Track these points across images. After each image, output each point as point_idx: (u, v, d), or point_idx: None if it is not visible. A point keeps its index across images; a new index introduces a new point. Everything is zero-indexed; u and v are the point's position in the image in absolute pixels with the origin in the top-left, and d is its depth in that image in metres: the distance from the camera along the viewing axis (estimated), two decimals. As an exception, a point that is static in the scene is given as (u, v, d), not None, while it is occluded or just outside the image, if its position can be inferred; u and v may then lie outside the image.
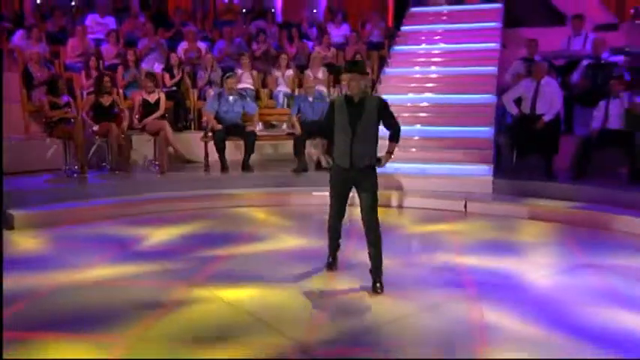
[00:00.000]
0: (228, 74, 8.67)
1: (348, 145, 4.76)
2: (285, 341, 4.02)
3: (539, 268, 5.38)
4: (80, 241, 6.42)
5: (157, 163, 8.73)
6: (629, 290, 4.82)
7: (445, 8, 12.62)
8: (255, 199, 7.97)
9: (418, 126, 9.18)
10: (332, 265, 5.31)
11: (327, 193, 8.02)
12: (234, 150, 9.06)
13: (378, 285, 4.72)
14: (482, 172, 8.07)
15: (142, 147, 9.05)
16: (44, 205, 7.20)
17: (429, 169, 8.28)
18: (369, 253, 4.85)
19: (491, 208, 7.47)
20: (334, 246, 5.30)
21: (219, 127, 8.39)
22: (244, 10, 12.55)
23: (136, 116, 8.77)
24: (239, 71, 9.52)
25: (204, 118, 9.01)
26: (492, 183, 7.84)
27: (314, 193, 8.10)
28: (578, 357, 3.62)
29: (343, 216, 5.12)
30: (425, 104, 9.77)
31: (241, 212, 7.60)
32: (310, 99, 8.60)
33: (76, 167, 8.26)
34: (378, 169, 8.50)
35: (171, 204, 7.73)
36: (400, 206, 7.75)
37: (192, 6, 11.99)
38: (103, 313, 4.42)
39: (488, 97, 9.51)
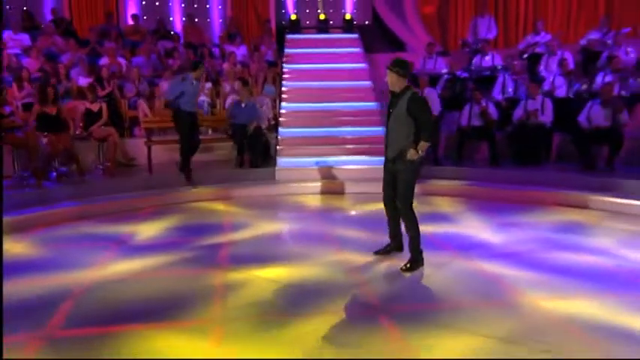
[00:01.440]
0: (199, 64, 7.49)
1: (386, 136, 4.40)
2: (360, 302, 3.76)
3: (480, 229, 5.56)
4: (71, 241, 5.37)
5: (102, 167, 7.65)
6: (556, 238, 5.20)
7: (315, 36, 12.71)
8: (207, 194, 7.28)
9: (325, 128, 9.08)
10: (380, 250, 4.66)
11: (268, 187, 7.87)
12: (162, 152, 8.25)
13: (407, 265, 4.29)
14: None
15: (82, 153, 7.80)
16: (11, 211, 5.86)
17: (347, 161, 8.29)
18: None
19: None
20: (390, 233, 4.65)
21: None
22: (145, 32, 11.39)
23: (80, 125, 7.57)
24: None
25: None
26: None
27: (256, 187, 7.73)
28: (580, 289, 3.88)
29: (389, 204, 4.51)
30: (323, 111, 9.64)
31: (203, 206, 6.90)
32: (243, 105, 8.13)
33: (26, 174, 6.90)
34: (316, 164, 8.33)
35: (134, 203, 6.79)
36: (341, 192, 7.64)
37: (102, 26, 10.61)
38: (164, 302, 3.76)
39: (372, 105, 9.79)
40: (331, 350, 3.01)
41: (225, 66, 10.08)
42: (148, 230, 5.74)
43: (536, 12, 11.47)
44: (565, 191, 6.82)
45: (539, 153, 8.00)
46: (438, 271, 4.30)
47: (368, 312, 3.56)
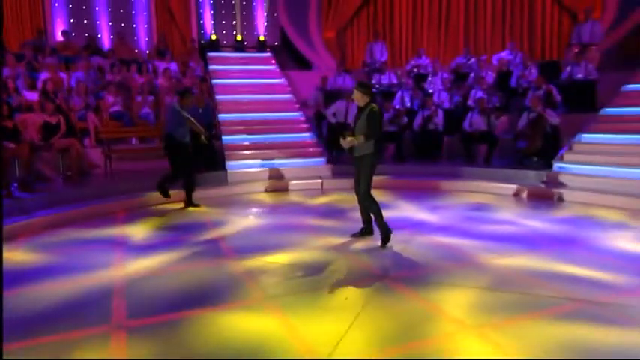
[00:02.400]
0: (187, 92, 6.60)
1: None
2: (363, 272, 4.13)
3: (416, 212, 6.19)
4: (68, 246, 5.01)
5: (62, 176, 7.04)
6: (474, 215, 6.02)
7: (234, 54, 12.60)
8: (173, 197, 6.88)
9: (260, 135, 9.19)
10: (356, 233, 5.08)
11: (224, 189, 7.82)
12: (115, 161, 7.78)
13: (383, 243, 4.74)
14: (319, 162, 8.68)
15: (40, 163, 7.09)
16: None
17: (285, 164, 8.49)
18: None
19: (336, 184, 8.02)
20: (362, 219, 5.07)
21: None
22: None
23: (38, 136, 6.88)
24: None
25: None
26: (331, 169, 8.52)
27: (214, 189, 7.63)
28: (512, 249, 4.66)
29: (358, 195, 4.92)
30: (256, 120, 9.73)
31: (174, 208, 6.65)
32: (200, 110, 8.00)
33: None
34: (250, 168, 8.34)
35: (108, 208, 6.39)
36: (286, 189, 7.86)
37: (33, 41, 9.43)
38: (203, 290, 3.80)
39: (296, 114, 10.12)
40: (376, 310, 3.35)
41: (161, 81, 9.70)
42: (137, 232, 5.50)
43: (415, 40, 12.69)
44: (461, 181, 7.83)
45: (434, 151, 9.02)
46: (407, 245, 4.83)
47: (375, 279, 3.95)
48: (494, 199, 6.93)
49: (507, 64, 10.50)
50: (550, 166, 7.48)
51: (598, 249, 4.62)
